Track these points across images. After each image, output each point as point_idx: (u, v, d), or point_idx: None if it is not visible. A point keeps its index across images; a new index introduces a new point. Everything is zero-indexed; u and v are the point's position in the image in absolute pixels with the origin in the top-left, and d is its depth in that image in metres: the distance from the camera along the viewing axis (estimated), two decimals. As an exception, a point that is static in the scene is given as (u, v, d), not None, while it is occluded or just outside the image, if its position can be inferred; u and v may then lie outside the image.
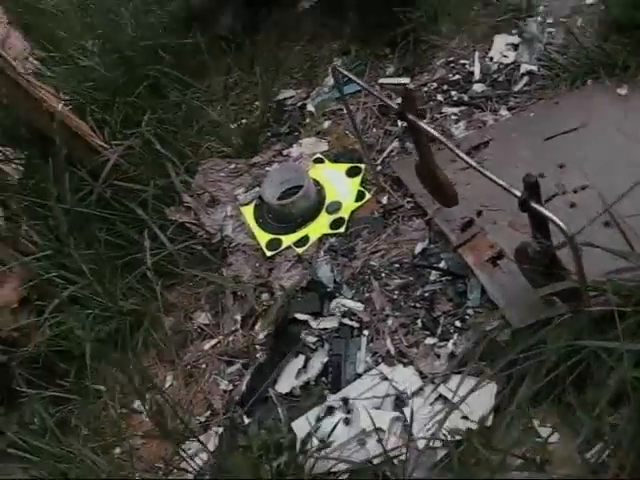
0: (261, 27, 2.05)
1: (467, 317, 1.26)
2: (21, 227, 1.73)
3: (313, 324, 1.38)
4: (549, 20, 1.68)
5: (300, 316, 1.40)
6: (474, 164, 1.02)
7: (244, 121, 1.80)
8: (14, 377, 1.56)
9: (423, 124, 1.06)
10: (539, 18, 1.69)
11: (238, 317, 1.47)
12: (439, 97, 1.64)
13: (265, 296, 1.48)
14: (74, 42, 2.37)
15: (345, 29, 1.86)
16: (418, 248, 1.39)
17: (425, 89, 1.67)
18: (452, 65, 1.69)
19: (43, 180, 1.71)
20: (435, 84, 1.67)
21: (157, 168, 1.68)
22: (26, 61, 2.43)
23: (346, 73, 1.19)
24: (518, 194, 0.92)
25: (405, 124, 1.28)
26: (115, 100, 1.95)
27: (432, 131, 1.05)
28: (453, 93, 1.63)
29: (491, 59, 1.66)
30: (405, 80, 1.71)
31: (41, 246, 1.67)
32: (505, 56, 1.66)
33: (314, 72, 1.84)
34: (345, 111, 1.70)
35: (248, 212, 1.60)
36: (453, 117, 1.59)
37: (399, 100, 1.24)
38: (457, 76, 1.67)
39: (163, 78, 1.98)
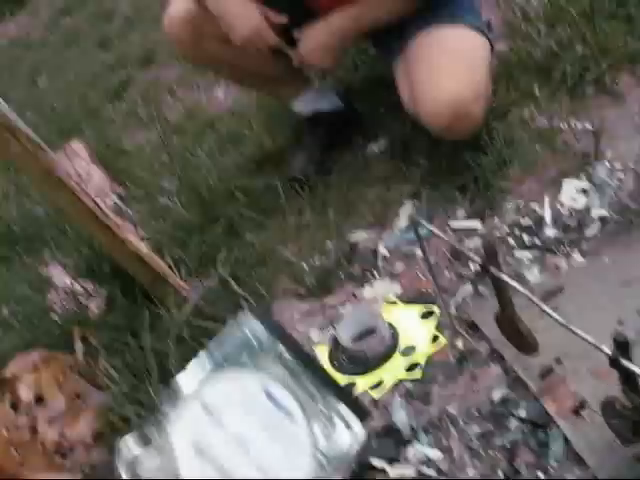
0: (333, 169, 2.13)
1: (550, 469, 1.24)
2: (99, 362, 1.78)
3: (390, 471, 1.36)
4: (617, 165, 1.71)
5: (376, 462, 1.38)
6: (559, 319, 1.03)
7: (317, 262, 1.84)
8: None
9: (507, 277, 1.09)
10: (607, 164, 1.72)
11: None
12: (511, 241, 1.67)
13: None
14: (152, 181, 2.49)
15: (415, 173, 1.92)
16: (496, 395, 1.38)
17: (498, 234, 1.70)
18: (522, 209, 1.72)
19: (123, 317, 1.77)
20: (506, 228, 1.70)
21: (233, 307, 1.73)
22: (106, 198, 2.56)
23: (425, 224, 1.22)
24: (608, 352, 0.93)
25: (480, 270, 1.30)
26: (191, 238, 2.03)
27: (516, 284, 1.07)
28: (525, 237, 1.66)
29: (561, 204, 1.69)
30: (476, 224, 1.74)
31: (118, 381, 1.71)
32: (575, 201, 1.68)
33: (385, 214, 1.89)
34: (420, 253, 1.75)
35: (322, 352, 1.62)
36: (526, 261, 1.61)
37: (478, 248, 1.28)
38: (528, 220, 1.69)
39: (238, 218, 2.06)
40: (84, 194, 1.51)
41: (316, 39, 1.82)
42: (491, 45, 1.82)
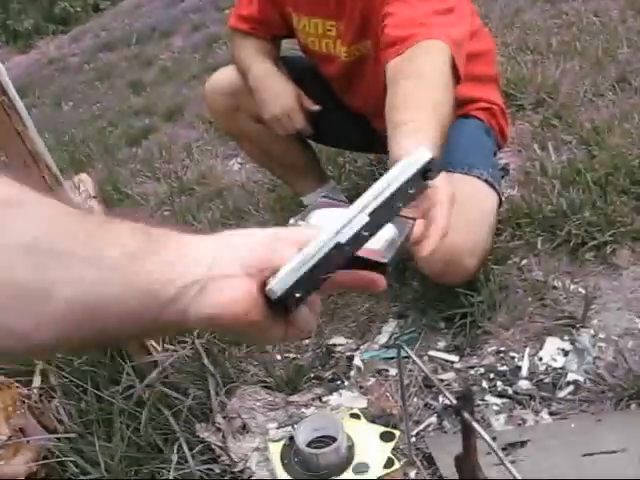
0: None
1: None
2: (52, 402, 1.75)
3: None
4: (601, 335, 1.74)
5: None
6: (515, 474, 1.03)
7: (291, 356, 1.84)
8: None
9: (478, 427, 1.09)
10: (592, 331, 1.76)
11: None
12: (484, 384, 1.68)
13: (270, 543, 1.45)
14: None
15: (406, 293, 1.95)
16: (437, 536, 1.37)
17: (472, 372, 1.72)
18: (501, 355, 1.74)
19: (89, 363, 1.76)
20: (482, 369, 1.72)
21: (200, 381, 1.72)
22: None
23: (408, 351, 1.24)
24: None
25: (453, 412, 1.31)
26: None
27: (486, 437, 1.08)
28: (498, 384, 1.67)
29: (540, 359, 1.71)
30: (454, 358, 1.76)
31: (66, 426, 1.68)
32: (554, 359, 1.71)
33: (368, 326, 1.91)
34: (393, 373, 1.76)
35: (276, 449, 1.61)
36: (494, 407, 1.62)
37: (451, 381, 1.29)
38: (505, 367, 1.71)
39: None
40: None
41: None
42: (500, 200, 1.86)
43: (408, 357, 1.50)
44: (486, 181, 1.78)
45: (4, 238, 0.51)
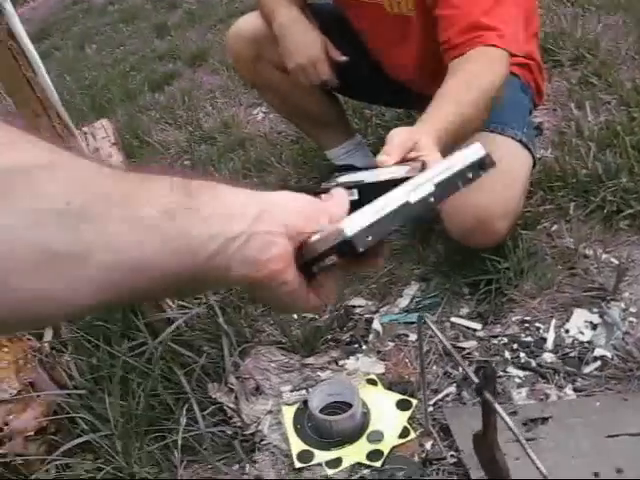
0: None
1: None
2: (63, 357, 1.72)
3: None
4: (632, 309, 1.67)
5: None
6: (539, 465, 0.98)
7: (309, 316, 1.79)
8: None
9: (499, 407, 1.04)
10: (623, 304, 1.68)
11: (248, 522, 1.41)
12: (506, 354, 1.62)
13: (281, 509, 1.42)
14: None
15: (430, 256, 1.88)
16: (451, 512, 1.33)
17: (494, 341, 1.66)
18: (526, 325, 1.68)
19: (101, 318, 1.72)
20: (505, 339, 1.65)
21: (214, 340, 1.67)
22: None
23: (430, 323, 1.18)
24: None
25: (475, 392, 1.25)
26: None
27: (507, 420, 1.02)
28: (522, 355, 1.61)
29: (567, 331, 1.65)
30: (477, 325, 1.70)
31: (77, 382, 1.65)
32: (582, 333, 1.64)
33: (389, 289, 1.85)
34: (413, 339, 1.70)
35: (289, 413, 1.57)
36: (516, 380, 1.56)
37: (472, 349, 1.24)
38: (529, 338, 1.65)
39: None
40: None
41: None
42: (533, 161, 1.78)
43: (420, 325, 1.44)
44: (520, 141, 1.71)
45: (37, 203, 0.48)
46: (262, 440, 1.54)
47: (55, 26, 5.87)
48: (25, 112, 1.37)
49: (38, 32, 5.51)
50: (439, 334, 1.18)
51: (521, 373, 1.58)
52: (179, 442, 1.45)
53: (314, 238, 0.62)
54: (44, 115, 1.37)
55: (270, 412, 1.59)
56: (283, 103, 2.14)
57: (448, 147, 1.36)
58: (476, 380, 1.09)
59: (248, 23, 2.00)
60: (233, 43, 2.04)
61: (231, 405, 1.57)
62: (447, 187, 0.64)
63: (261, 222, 0.58)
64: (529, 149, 1.73)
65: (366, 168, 1.24)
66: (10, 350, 1.67)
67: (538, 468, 0.94)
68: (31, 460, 1.57)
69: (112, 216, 0.51)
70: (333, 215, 0.64)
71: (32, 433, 1.60)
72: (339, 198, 0.68)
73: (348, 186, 0.96)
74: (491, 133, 1.66)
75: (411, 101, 2.01)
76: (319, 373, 1.66)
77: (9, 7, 1.29)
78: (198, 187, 0.57)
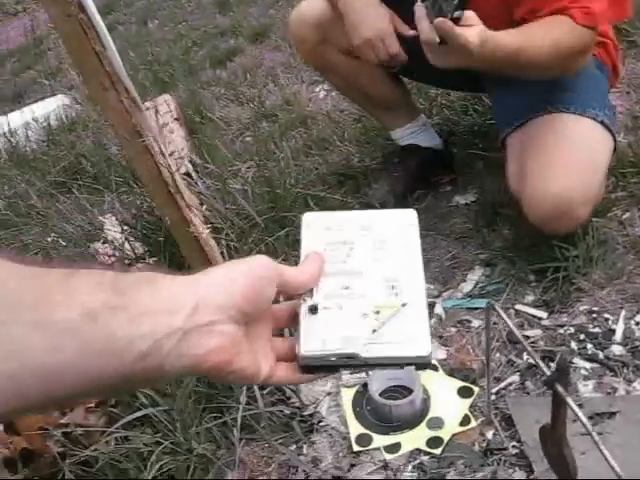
0: (412, 208, 2.05)
1: None
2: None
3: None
4: None
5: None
6: (610, 459, 0.94)
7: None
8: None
9: (571, 401, 1.00)
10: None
11: (304, 503, 1.40)
12: (573, 345, 1.57)
13: (338, 491, 1.41)
14: (230, 160, 2.44)
15: (495, 241, 1.84)
16: (513, 504, 1.30)
17: (560, 331, 1.61)
18: (594, 316, 1.62)
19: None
20: (572, 329, 1.61)
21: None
22: (180, 162, 2.52)
23: (504, 317, 1.14)
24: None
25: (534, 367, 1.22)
26: (252, 233, 1.97)
27: (580, 415, 0.99)
28: (589, 346, 1.56)
29: (637, 324, 1.59)
30: (542, 314, 1.65)
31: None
32: (653, 325, 1.58)
33: (452, 273, 1.81)
34: (476, 324, 1.67)
35: (348, 396, 1.55)
36: (583, 372, 1.52)
37: (537, 338, 1.20)
38: (597, 329, 1.60)
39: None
40: (164, 165, 1.45)
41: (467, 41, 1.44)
42: (615, 144, 1.71)
43: (489, 310, 1.41)
44: (602, 123, 1.65)
45: None
46: (320, 421, 1.53)
47: (118, 1, 5.91)
48: (93, 86, 1.37)
49: (102, 7, 5.54)
50: (508, 321, 1.15)
51: (588, 365, 1.53)
52: (239, 420, 1.45)
53: None
54: (112, 89, 1.36)
55: (329, 394, 1.57)
56: (348, 86, 2.10)
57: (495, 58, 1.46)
58: (547, 372, 1.05)
59: (311, 7, 1.95)
60: (296, 28, 2.00)
61: (291, 385, 1.56)
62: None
63: (199, 314, 0.54)
64: (610, 130, 1.67)
65: None
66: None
67: (612, 467, 0.90)
68: (91, 431, 1.59)
69: (20, 321, 0.48)
70: (289, 284, 0.61)
71: (93, 405, 1.62)
72: (310, 266, 0.65)
73: None
74: (572, 114, 1.61)
75: (478, 84, 1.95)
76: (380, 357, 1.63)
77: (80, -20, 1.29)
78: (133, 282, 0.54)
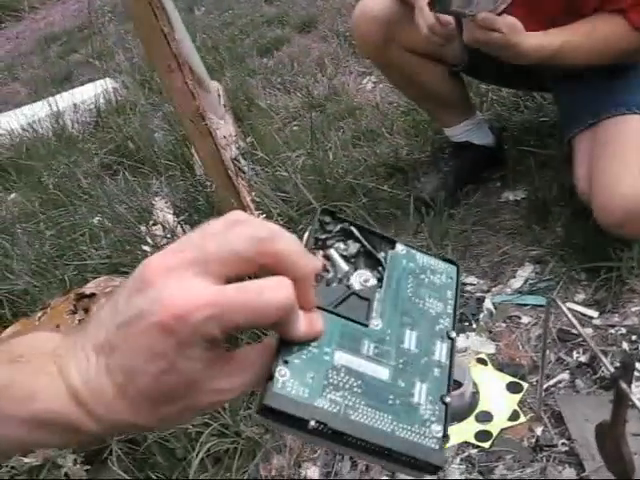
0: (462, 203, 2.05)
1: None
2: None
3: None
4: None
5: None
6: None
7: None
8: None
9: (636, 399, 1.00)
10: None
11: (351, 488, 1.41)
12: (624, 345, 1.56)
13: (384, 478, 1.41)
14: (279, 148, 2.45)
15: (546, 238, 1.83)
16: (563, 501, 1.29)
17: (612, 331, 1.60)
18: (647, 317, 1.61)
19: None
20: (624, 330, 1.59)
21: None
22: (229, 148, 2.54)
23: (566, 312, 1.14)
24: None
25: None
26: (301, 220, 1.98)
27: (643, 411, 0.98)
28: (641, 348, 1.55)
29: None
30: (593, 313, 1.64)
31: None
32: None
33: (502, 268, 1.81)
34: (526, 320, 1.66)
35: (396, 386, 1.55)
36: (636, 373, 1.50)
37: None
38: (650, 331, 1.59)
39: (353, 217, 2.00)
40: (224, 147, 1.47)
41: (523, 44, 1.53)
42: None
43: (549, 306, 1.40)
44: None
45: None
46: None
47: (165, -13, 5.94)
48: (160, 66, 1.39)
49: (148, -7, 5.58)
50: (570, 316, 1.14)
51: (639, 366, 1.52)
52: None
53: None
54: (178, 71, 1.38)
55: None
56: (409, 83, 2.07)
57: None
58: (610, 367, 1.05)
59: (376, 2, 1.93)
60: (360, 24, 1.96)
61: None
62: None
63: None
64: None
65: None
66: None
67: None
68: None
69: None
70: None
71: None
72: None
73: None
74: (636, 115, 1.59)
75: (542, 83, 1.94)
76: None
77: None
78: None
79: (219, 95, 2.85)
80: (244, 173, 2.22)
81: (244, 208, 1.56)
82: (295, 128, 2.77)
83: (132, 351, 0.42)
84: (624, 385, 1.03)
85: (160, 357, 0.41)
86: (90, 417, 0.44)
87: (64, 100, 3.60)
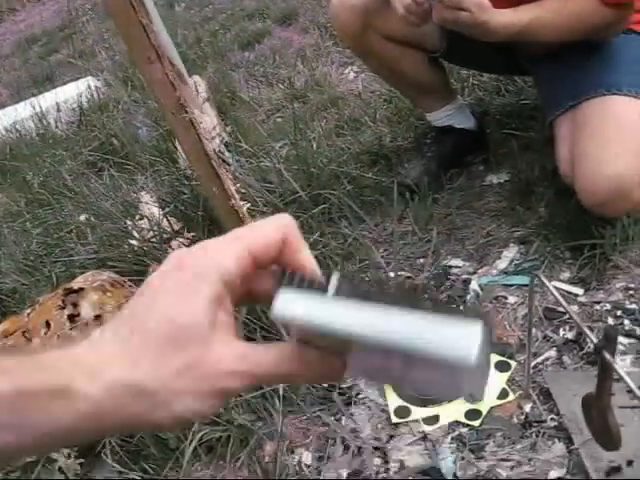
0: (446, 188, 2.06)
1: None
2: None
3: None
4: None
5: (411, 501, 1.33)
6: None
7: (406, 274, 1.78)
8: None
9: (619, 368, 1.01)
10: None
11: (344, 473, 1.42)
12: (610, 321, 1.58)
13: (377, 461, 1.42)
14: (263, 139, 2.46)
15: (530, 219, 1.84)
16: (553, 475, 1.30)
17: (597, 307, 1.62)
18: (631, 292, 1.63)
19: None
20: (608, 306, 1.61)
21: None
22: (212, 141, 2.54)
23: (550, 287, 1.15)
24: None
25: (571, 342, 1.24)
26: (286, 209, 1.99)
27: (628, 380, 1.00)
28: (626, 322, 1.57)
29: (674, 299, 1.60)
30: (578, 290, 1.66)
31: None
32: (690, 301, 1.59)
33: (487, 250, 1.82)
34: (512, 300, 1.68)
35: (386, 369, 1.57)
36: (620, 347, 1.52)
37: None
38: (634, 305, 1.60)
39: (338, 204, 2.01)
40: (206, 138, 1.47)
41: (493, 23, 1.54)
42: None
43: (533, 283, 1.42)
44: None
45: None
46: (358, 394, 1.55)
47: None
48: (140, 59, 1.39)
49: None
50: (554, 291, 1.16)
51: (625, 340, 1.54)
52: (281, 392, 1.47)
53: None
54: (157, 62, 1.38)
55: (367, 366, 1.59)
56: (389, 71, 2.08)
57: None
58: (594, 339, 1.06)
59: None
60: (339, 13, 1.97)
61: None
62: None
63: None
64: None
65: None
66: (113, 295, 1.72)
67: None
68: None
69: None
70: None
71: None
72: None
73: None
74: (625, 97, 1.61)
75: (520, 67, 1.95)
76: (416, 331, 1.65)
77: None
78: None
79: (197, 88, 2.85)
80: (229, 165, 2.22)
81: (229, 198, 1.56)
82: (279, 120, 2.78)
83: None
84: (608, 355, 1.05)
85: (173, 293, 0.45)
86: (89, 377, 0.44)
87: (47, 100, 3.60)
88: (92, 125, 3.23)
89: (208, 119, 2.73)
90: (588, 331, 1.10)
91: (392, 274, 1.78)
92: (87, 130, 3.24)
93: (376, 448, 1.44)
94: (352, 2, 1.91)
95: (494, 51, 1.88)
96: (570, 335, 1.58)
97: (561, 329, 1.59)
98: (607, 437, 1.19)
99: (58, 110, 3.49)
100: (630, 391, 1.42)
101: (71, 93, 3.61)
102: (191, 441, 1.49)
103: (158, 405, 0.45)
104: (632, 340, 1.54)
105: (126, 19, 1.35)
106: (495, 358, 1.55)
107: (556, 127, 1.72)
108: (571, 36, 1.61)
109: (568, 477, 1.30)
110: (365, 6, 1.89)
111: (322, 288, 0.45)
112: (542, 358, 1.55)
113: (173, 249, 1.89)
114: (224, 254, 0.47)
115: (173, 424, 0.46)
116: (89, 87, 3.61)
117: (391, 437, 1.45)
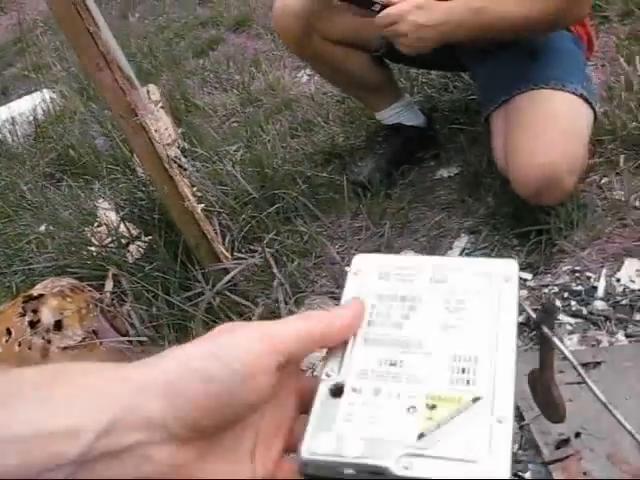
0: (398, 184, 2.12)
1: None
2: (124, 307, 1.78)
3: None
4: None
5: None
6: (602, 397, 1.00)
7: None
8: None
9: (558, 342, 1.06)
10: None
11: None
12: (558, 303, 1.64)
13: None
14: (218, 143, 2.49)
15: (479, 209, 1.90)
16: (505, 451, 1.36)
17: (545, 290, 1.68)
18: (577, 275, 1.69)
19: (159, 269, 1.78)
20: (556, 288, 1.67)
21: (269, 290, 1.72)
22: (169, 148, 2.56)
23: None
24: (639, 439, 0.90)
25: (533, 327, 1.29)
26: (243, 211, 2.02)
27: (566, 352, 1.05)
28: (573, 303, 1.63)
29: (618, 280, 1.66)
30: (527, 275, 1.72)
31: (138, 330, 1.72)
32: (632, 281, 1.65)
33: (439, 241, 1.88)
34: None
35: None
36: (568, 327, 1.58)
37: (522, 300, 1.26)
38: (580, 287, 1.67)
39: (293, 204, 2.05)
40: (157, 141, 1.51)
41: (429, 17, 1.59)
42: (595, 115, 1.78)
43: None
44: (581, 96, 1.71)
45: None
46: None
47: (97, -4, 5.92)
48: (89, 66, 1.42)
49: (81, 2, 5.55)
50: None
51: (572, 320, 1.60)
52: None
53: None
54: (107, 69, 1.41)
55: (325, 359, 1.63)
56: (334, 73, 2.12)
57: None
58: (533, 315, 1.11)
59: None
60: (281, 20, 2.00)
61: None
62: None
63: (113, 434, 0.36)
64: (590, 103, 1.73)
65: None
66: (73, 300, 1.74)
67: (597, 395, 0.96)
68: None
69: None
70: (305, 341, 0.45)
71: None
72: (342, 311, 0.49)
73: None
74: (552, 90, 1.67)
75: (460, 64, 2.01)
76: (372, 322, 1.70)
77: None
78: (22, 383, 0.38)
79: (148, 92, 2.88)
80: (185, 170, 2.25)
81: (182, 199, 1.60)
82: (234, 124, 2.81)
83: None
84: (546, 329, 1.10)
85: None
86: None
87: (1, 114, 3.59)
88: (49, 137, 3.24)
89: (162, 125, 2.76)
90: (529, 309, 1.15)
91: (347, 269, 1.82)
92: (44, 142, 3.24)
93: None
94: (293, 8, 1.95)
95: (434, 50, 1.94)
96: (520, 319, 1.63)
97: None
98: (552, 409, 1.23)
99: (13, 124, 3.48)
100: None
101: (26, 106, 3.61)
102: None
103: None
104: (579, 320, 1.60)
105: (74, 27, 1.37)
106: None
107: (491, 122, 1.79)
108: (522, 23, 1.61)
109: (520, 452, 1.35)
110: (306, 11, 1.93)
111: None
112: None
113: (131, 253, 1.92)
114: None
115: None
116: (44, 99, 3.60)
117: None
